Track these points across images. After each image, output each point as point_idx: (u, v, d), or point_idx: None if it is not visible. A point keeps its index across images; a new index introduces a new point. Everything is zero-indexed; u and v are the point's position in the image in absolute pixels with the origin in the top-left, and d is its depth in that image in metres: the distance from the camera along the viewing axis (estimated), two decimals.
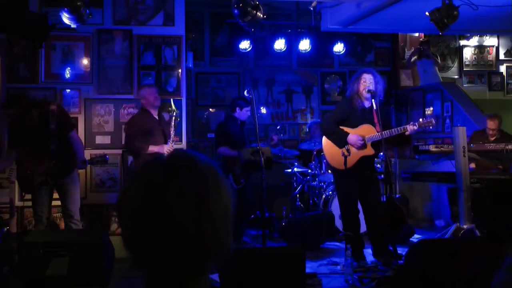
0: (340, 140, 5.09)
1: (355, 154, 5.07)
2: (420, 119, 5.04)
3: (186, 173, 0.97)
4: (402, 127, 4.99)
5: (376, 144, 5.11)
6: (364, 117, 5.13)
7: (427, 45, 8.33)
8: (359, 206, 5.23)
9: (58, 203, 5.02)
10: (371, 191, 5.18)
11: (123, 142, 5.69)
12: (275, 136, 7.13)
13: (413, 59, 8.53)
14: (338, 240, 6.15)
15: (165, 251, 0.95)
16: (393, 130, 4.99)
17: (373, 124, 5.07)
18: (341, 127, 5.13)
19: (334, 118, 5.23)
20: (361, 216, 5.22)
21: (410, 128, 4.94)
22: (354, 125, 5.12)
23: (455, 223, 5.35)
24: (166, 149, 5.25)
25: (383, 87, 5.17)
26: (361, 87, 5.07)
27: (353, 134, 5.04)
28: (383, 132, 4.94)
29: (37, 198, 4.82)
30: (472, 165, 6.03)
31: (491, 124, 6.28)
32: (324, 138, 5.33)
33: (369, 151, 5.09)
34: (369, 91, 5.00)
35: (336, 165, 5.19)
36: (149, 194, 0.96)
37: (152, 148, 5.25)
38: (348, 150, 5.05)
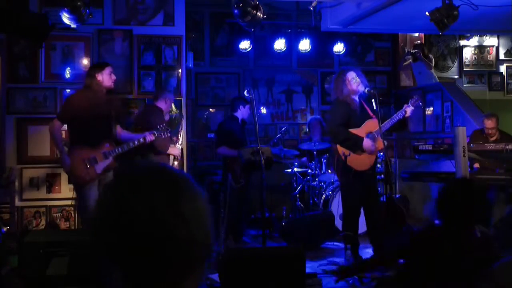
0: (354, 146, 5.01)
1: (373, 153, 5.07)
2: (410, 100, 5.18)
3: (154, 184, 0.99)
4: (402, 111, 5.11)
5: None
6: (362, 113, 5.14)
7: (420, 48, 8.32)
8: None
9: (58, 203, 5.01)
10: (373, 191, 5.17)
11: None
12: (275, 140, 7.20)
13: (405, 63, 8.54)
14: (338, 240, 6.15)
15: (137, 259, 0.96)
16: (394, 116, 5.11)
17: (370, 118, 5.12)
18: (349, 130, 5.07)
19: (340, 123, 5.07)
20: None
21: (408, 110, 5.09)
22: (357, 125, 5.09)
23: None
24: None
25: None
26: (354, 86, 5.07)
27: (366, 140, 5.00)
28: (388, 121, 5.04)
29: (91, 195, 4.45)
30: (476, 165, 6.00)
31: (489, 124, 6.25)
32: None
33: (381, 144, 5.06)
34: (369, 91, 5.06)
35: (357, 167, 5.03)
36: (116, 205, 0.97)
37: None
38: (349, 153, 5.03)
